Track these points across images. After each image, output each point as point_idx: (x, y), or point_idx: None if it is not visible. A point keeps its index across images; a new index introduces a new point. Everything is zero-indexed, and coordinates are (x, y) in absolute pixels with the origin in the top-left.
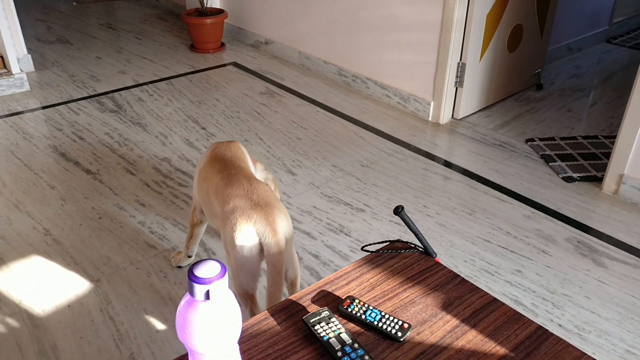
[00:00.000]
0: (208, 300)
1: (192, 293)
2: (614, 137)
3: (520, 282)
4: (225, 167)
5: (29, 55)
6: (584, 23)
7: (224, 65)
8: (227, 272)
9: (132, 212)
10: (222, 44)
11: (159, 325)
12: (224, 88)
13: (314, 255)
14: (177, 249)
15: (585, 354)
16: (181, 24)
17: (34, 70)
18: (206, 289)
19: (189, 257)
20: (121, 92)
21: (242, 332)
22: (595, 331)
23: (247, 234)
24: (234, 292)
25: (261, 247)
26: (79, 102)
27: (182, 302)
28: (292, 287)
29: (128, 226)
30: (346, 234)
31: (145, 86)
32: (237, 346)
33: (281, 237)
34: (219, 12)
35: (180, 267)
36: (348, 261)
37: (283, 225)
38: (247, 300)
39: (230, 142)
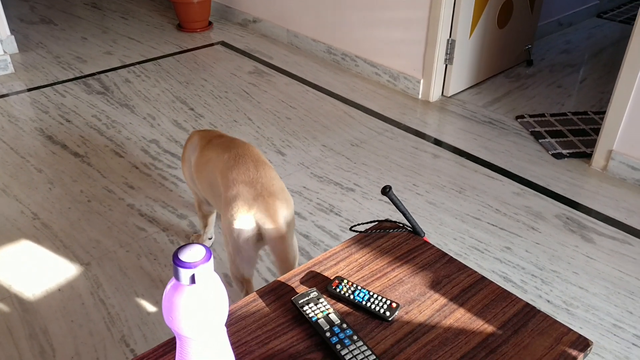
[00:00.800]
0: (194, 284)
1: (177, 277)
2: (604, 113)
3: (510, 259)
4: (231, 147)
5: (13, 37)
6: None
7: (212, 44)
8: (211, 256)
9: (121, 194)
10: (210, 23)
11: (150, 308)
12: (211, 68)
13: (305, 235)
14: (166, 230)
15: (571, 329)
16: (168, 3)
17: (17, 51)
18: (191, 273)
19: (210, 239)
20: (108, 74)
21: (230, 314)
22: (582, 306)
23: (245, 223)
24: (231, 276)
25: (259, 236)
26: (65, 84)
27: (168, 287)
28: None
29: (117, 209)
30: (336, 214)
31: (132, 67)
32: (225, 329)
33: (282, 226)
34: None
35: None
36: (338, 241)
37: (284, 215)
38: (243, 284)
39: (210, 130)
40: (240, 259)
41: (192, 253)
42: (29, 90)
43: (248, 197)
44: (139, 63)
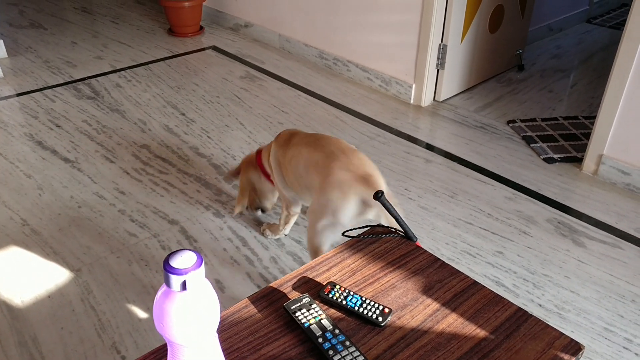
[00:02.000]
0: (185, 291)
1: (168, 284)
2: (594, 117)
3: (502, 263)
4: (316, 141)
5: (1, 41)
6: (565, 3)
7: (203, 49)
8: (202, 263)
9: (111, 200)
10: (201, 28)
11: (141, 314)
12: (203, 73)
13: (297, 240)
14: (158, 236)
15: (563, 334)
16: (159, 8)
17: (6, 56)
18: (182, 280)
19: (285, 235)
20: (98, 78)
21: (222, 320)
22: (574, 310)
23: (350, 201)
24: (309, 249)
25: (359, 213)
26: (54, 88)
27: (159, 293)
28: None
29: (108, 215)
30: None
31: (123, 72)
32: (217, 335)
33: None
34: None
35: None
36: (331, 246)
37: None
38: (317, 254)
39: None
40: (331, 237)
41: (183, 259)
42: (18, 95)
43: (351, 180)
44: (129, 68)
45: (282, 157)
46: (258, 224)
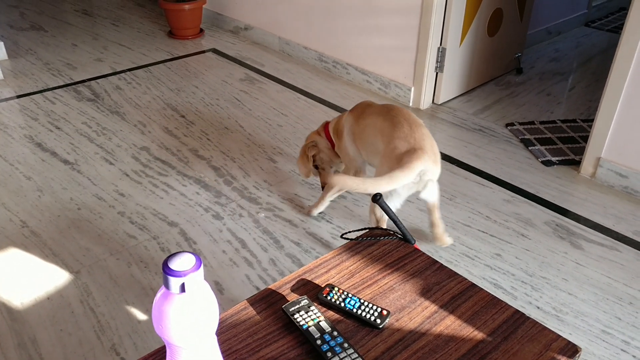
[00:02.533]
0: (184, 293)
1: (167, 286)
2: (592, 120)
3: (500, 265)
4: (389, 113)
5: (2, 43)
6: (563, 6)
7: (203, 51)
8: (201, 265)
9: (111, 202)
10: (201, 30)
11: (141, 316)
12: (203, 75)
13: (296, 242)
14: (157, 238)
15: (561, 336)
16: (159, 10)
17: (7, 58)
18: (181, 282)
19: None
20: (98, 81)
21: (221, 322)
22: (572, 312)
23: (414, 169)
24: (370, 216)
25: (412, 183)
26: (54, 90)
27: (158, 295)
28: (433, 208)
29: (107, 217)
30: (327, 221)
31: (123, 74)
32: (215, 337)
33: (439, 172)
34: None
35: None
36: (330, 248)
37: (433, 168)
38: (378, 222)
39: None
40: (397, 201)
41: (182, 261)
42: (18, 97)
43: (405, 149)
44: (129, 70)
45: (356, 125)
46: (258, 226)
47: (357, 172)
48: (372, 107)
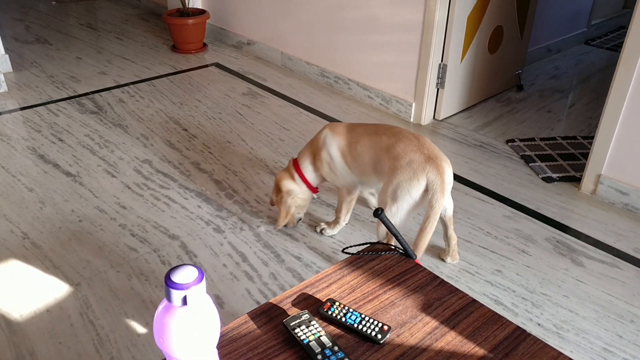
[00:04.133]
0: (185, 306)
1: (169, 299)
2: (592, 137)
3: (501, 282)
4: (382, 129)
5: (7, 56)
6: (563, 25)
7: (206, 66)
8: (204, 278)
9: (112, 214)
10: (204, 45)
11: (140, 329)
12: (205, 89)
13: (297, 257)
14: (158, 251)
15: (562, 353)
16: (163, 25)
17: (12, 70)
18: (183, 295)
19: (346, 224)
20: (102, 93)
21: (221, 336)
22: (573, 330)
23: (421, 182)
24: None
25: (425, 192)
26: (58, 103)
27: (160, 308)
28: (449, 222)
29: (108, 229)
30: (329, 236)
31: (126, 87)
32: (216, 351)
33: (447, 184)
34: (201, 12)
35: (331, 236)
36: (331, 263)
37: (449, 175)
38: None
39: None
40: (407, 214)
41: (185, 274)
42: (22, 109)
43: (421, 161)
44: (133, 83)
45: (347, 147)
46: (258, 239)
47: (351, 191)
48: (360, 127)
